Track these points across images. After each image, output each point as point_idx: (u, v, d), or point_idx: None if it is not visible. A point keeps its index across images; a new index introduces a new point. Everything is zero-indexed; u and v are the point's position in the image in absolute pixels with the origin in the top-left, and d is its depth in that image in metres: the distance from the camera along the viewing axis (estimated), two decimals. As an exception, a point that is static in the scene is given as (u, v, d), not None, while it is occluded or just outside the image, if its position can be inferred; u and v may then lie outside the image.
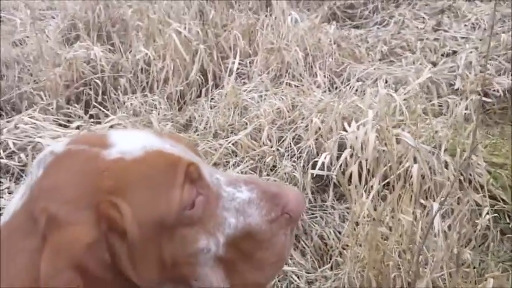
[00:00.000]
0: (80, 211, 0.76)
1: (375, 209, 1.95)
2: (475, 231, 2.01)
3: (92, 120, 3.09)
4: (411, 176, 2.10)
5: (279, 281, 2.04)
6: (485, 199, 2.09)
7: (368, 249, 1.85)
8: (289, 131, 2.75)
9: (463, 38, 3.88)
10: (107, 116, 3.07)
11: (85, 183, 0.78)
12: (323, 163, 2.37)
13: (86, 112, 3.15)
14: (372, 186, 2.12)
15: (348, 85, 3.20)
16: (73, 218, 0.75)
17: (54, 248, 0.74)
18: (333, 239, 2.20)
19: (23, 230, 0.78)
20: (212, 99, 3.21)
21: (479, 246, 2.03)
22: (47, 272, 0.72)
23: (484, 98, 3.00)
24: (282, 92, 3.11)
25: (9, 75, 3.53)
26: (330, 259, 2.13)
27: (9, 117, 3.07)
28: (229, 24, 3.79)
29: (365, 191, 2.14)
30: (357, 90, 3.10)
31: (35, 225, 0.76)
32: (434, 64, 3.48)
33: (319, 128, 2.61)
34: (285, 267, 2.04)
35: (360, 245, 1.95)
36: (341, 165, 2.34)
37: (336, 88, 3.26)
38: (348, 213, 2.29)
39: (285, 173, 2.46)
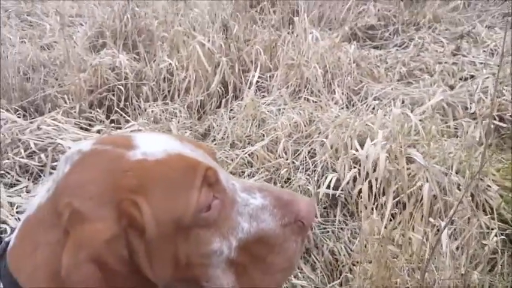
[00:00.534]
0: (102, 207, 0.78)
1: (385, 227, 1.97)
2: (484, 254, 2.01)
3: (112, 125, 3.15)
4: (422, 196, 2.12)
5: (288, 294, 2.05)
6: (493, 221, 2.09)
7: (377, 267, 1.86)
8: (305, 144, 2.78)
9: (481, 63, 3.87)
10: (127, 121, 3.13)
11: (108, 181, 0.80)
12: (331, 180, 2.40)
13: (108, 117, 3.22)
14: (382, 205, 2.13)
15: (365, 103, 3.22)
16: (95, 213, 0.78)
17: (76, 242, 0.76)
18: (344, 255, 2.20)
19: (47, 223, 0.81)
20: (231, 110, 3.25)
21: (489, 270, 2.02)
22: (68, 265, 0.75)
23: (498, 123, 3.00)
24: (300, 106, 3.14)
25: (35, 78, 3.62)
26: (340, 275, 2.13)
27: (32, 118, 3.12)
28: (252, 39, 3.86)
29: (375, 208, 2.16)
30: (373, 108, 3.12)
31: (58, 219, 0.79)
32: (452, 87, 3.48)
33: (334, 144, 2.63)
34: (295, 281, 2.04)
35: (370, 262, 1.95)
36: (349, 182, 2.37)
37: (353, 105, 3.28)
38: (359, 229, 2.31)
39: (299, 186, 2.48)
